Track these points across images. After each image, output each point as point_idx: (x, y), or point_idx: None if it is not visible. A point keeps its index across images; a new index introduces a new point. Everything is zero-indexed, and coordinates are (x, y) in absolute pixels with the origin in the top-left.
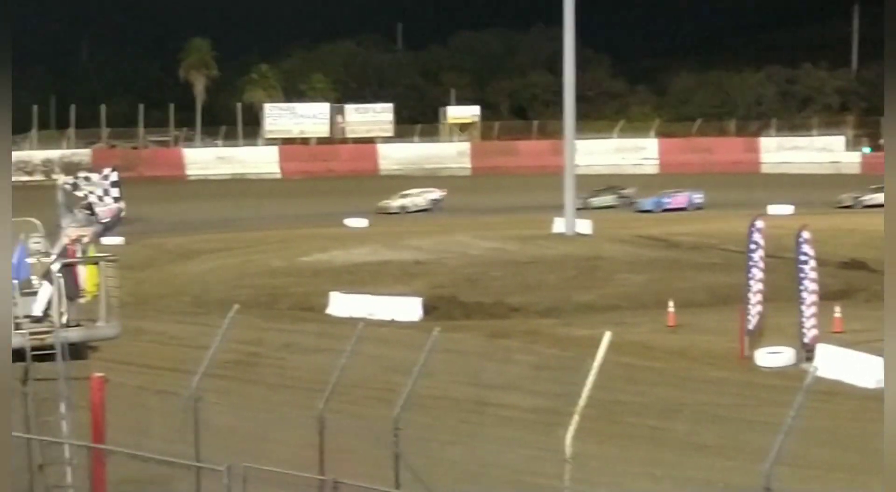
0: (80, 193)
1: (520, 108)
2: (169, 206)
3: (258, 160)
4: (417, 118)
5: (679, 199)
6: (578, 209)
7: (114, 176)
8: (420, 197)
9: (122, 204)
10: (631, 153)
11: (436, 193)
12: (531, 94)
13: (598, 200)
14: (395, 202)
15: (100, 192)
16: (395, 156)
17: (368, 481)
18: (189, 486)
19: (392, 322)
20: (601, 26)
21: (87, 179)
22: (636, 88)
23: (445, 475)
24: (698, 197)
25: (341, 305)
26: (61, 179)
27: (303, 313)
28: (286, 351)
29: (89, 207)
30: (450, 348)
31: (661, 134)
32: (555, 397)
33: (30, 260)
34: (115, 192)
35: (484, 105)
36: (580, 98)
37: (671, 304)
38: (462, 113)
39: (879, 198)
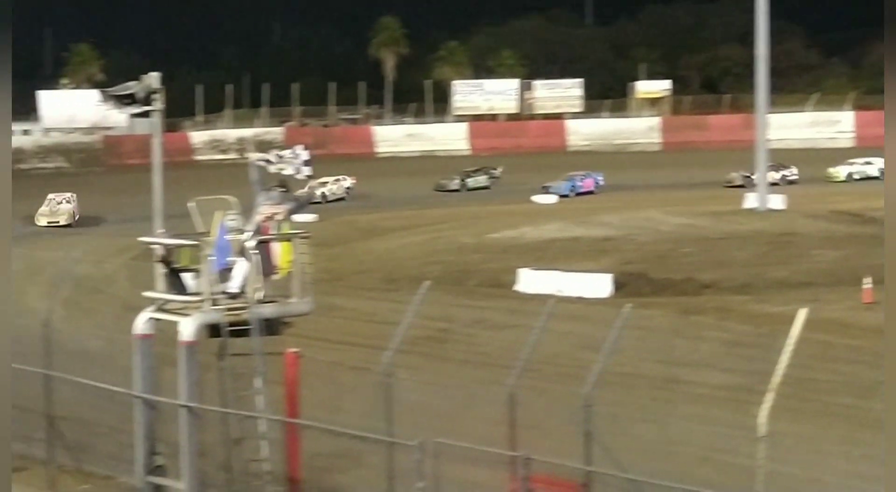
0: (272, 169)
1: (711, 81)
2: (359, 183)
3: (447, 137)
4: (607, 93)
5: (588, 182)
6: (454, 191)
7: (305, 154)
8: (336, 185)
9: (313, 182)
10: (825, 127)
11: (348, 181)
12: (722, 68)
13: (472, 181)
14: (318, 191)
15: (292, 170)
16: (584, 131)
17: (559, 458)
18: (381, 461)
19: (581, 299)
20: None
21: (279, 156)
22: (831, 60)
23: (636, 453)
24: (601, 179)
25: (530, 281)
26: (254, 156)
27: (492, 290)
28: (476, 327)
29: (283, 184)
30: (640, 325)
31: (857, 107)
32: (748, 375)
33: (226, 237)
34: (306, 170)
35: (674, 79)
36: (773, 71)
37: (867, 280)
38: (652, 87)
39: (776, 176)
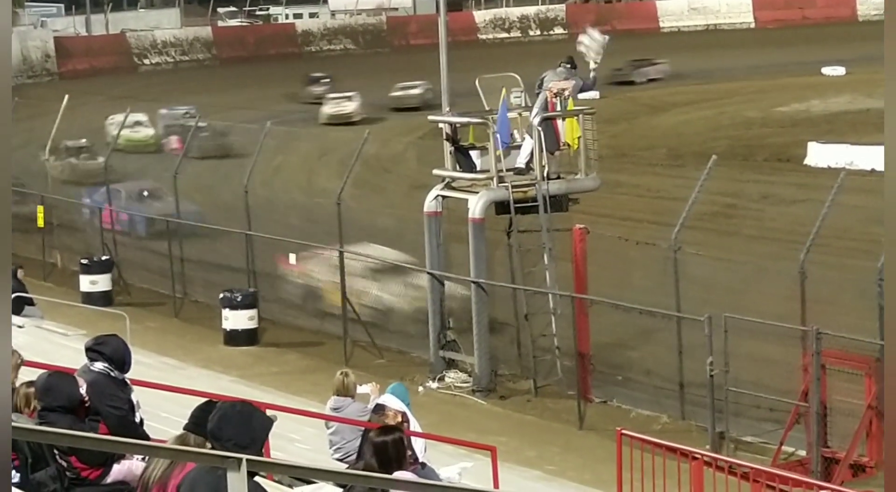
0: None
1: None
2: (643, 58)
3: (731, 10)
4: None
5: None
6: None
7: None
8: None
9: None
10: None
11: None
12: None
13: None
14: None
15: (594, 55)
16: (875, 0)
17: (851, 333)
18: (669, 335)
19: (873, 172)
20: None
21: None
22: None
23: None
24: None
25: (820, 155)
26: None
27: (780, 164)
28: (764, 202)
29: (570, 61)
30: None
31: None
32: None
33: (510, 115)
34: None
35: None
36: None
37: None
38: None
39: None
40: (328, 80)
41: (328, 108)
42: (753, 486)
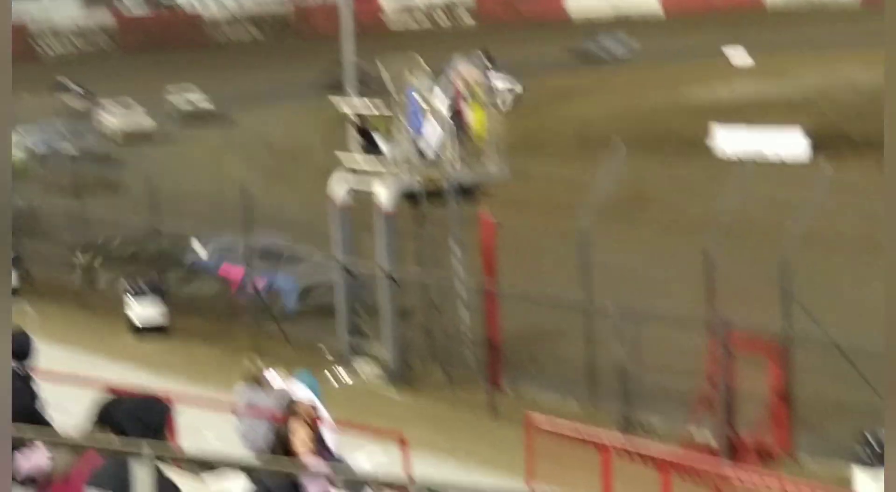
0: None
1: None
2: (543, 47)
3: None
4: None
5: None
6: None
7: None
8: None
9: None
10: None
11: None
12: None
13: None
14: None
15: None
16: None
17: (758, 320)
18: (579, 326)
19: (778, 159)
20: None
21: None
22: None
23: (835, 315)
24: None
25: (725, 141)
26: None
27: (687, 150)
28: (672, 189)
29: (486, 51)
30: (840, 186)
31: None
32: None
33: (416, 96)
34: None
35: None
36: None
37: None
38: None
39: None
40: (80, 86)
41: (118, 122)
42: (660, 466)
